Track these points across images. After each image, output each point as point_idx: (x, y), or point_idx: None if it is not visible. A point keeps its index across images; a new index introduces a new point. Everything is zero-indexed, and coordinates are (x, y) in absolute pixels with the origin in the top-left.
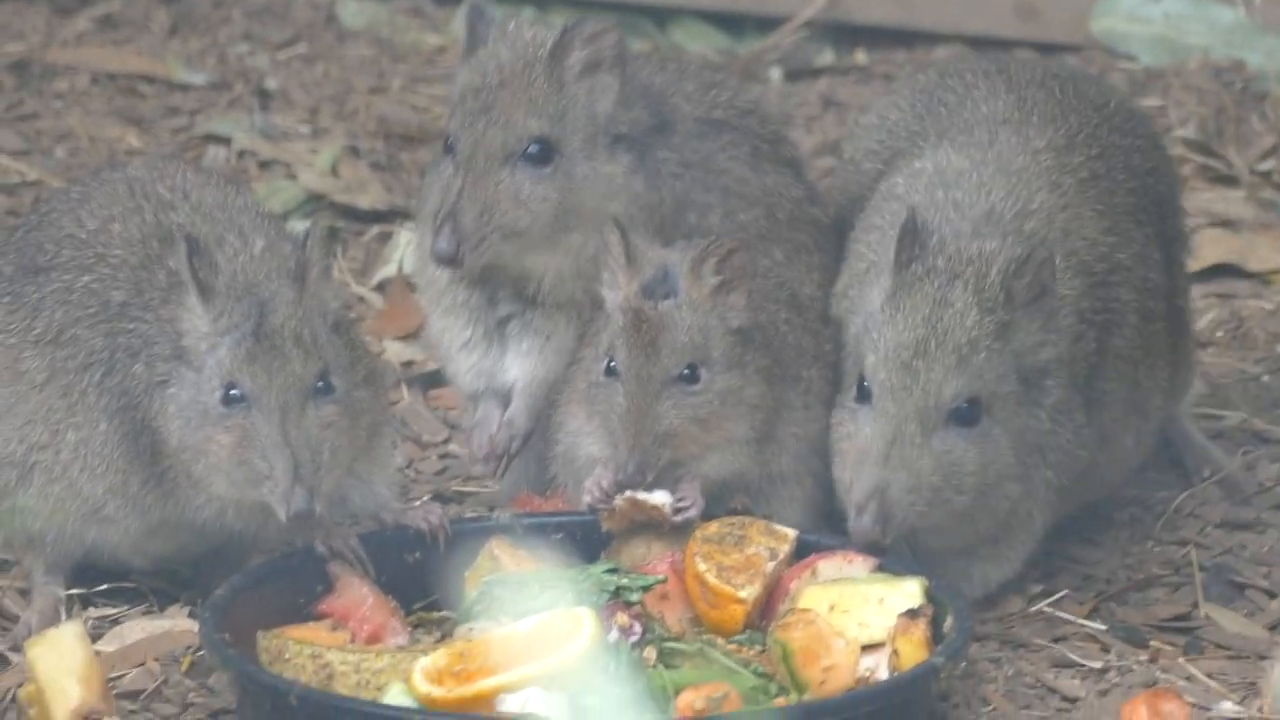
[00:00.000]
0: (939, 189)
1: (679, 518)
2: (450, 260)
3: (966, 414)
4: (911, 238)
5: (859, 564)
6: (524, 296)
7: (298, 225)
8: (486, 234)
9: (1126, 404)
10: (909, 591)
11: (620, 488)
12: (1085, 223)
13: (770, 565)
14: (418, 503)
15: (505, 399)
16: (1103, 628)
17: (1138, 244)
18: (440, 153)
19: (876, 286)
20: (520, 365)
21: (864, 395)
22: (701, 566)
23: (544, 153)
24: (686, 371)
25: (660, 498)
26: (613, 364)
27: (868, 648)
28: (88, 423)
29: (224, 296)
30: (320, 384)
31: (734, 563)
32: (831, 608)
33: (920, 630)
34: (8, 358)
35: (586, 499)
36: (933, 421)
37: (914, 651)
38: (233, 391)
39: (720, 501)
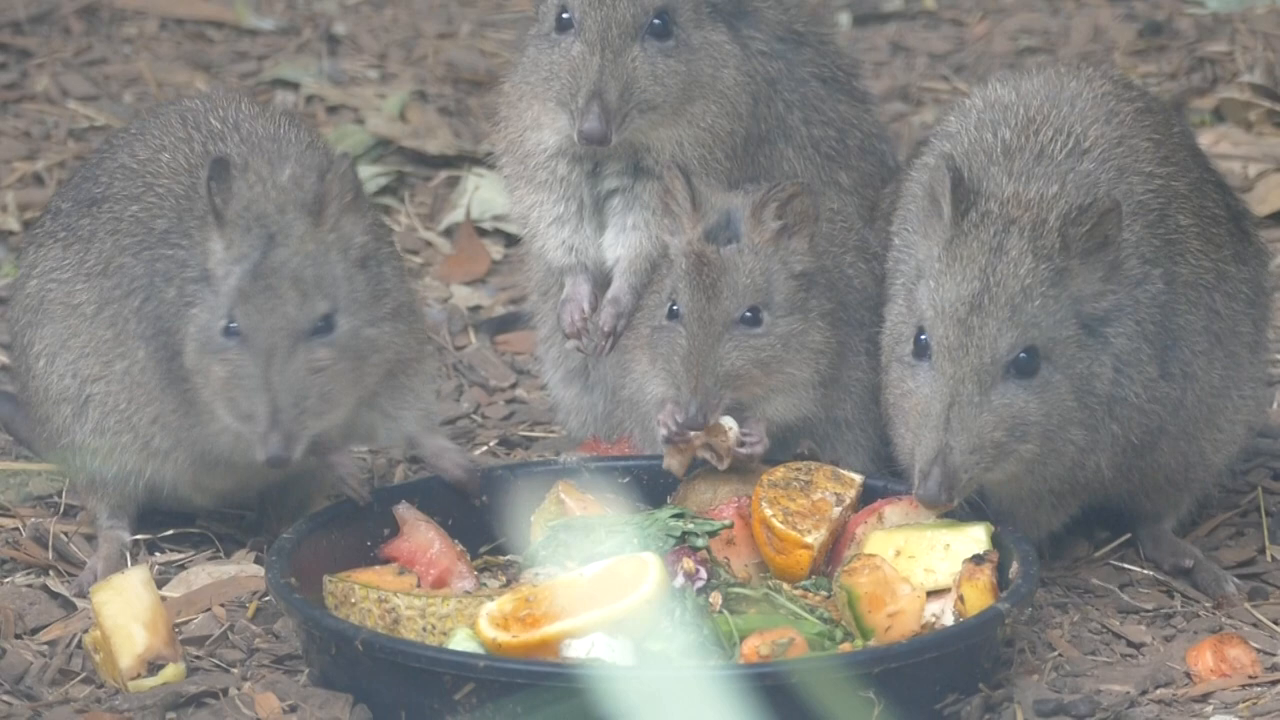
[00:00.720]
0: (987, 129)
1: (744, 450)
2: (602, 139)
3: (1025, 364)
4: (962, 188)
5: (925, 510)
6: (634, 170)
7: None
8: (629, 110)
9: (1207, 334)
10: (975, 537)
11: (684, 428)
12: (1140, 156)
13: (836, 510)
14: (452, 448)
15: (595, 275)
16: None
17: (1194, 173)
18: (546, 29)
19: (931, 233)
20: (625, 241)
21: (921, 351)
22: (768, 512)
23: (665, 25)
24: (749, 314)
25: (728, 422)
26: (675, 307)
27: (933, 593)
28: (130, 351)
29: (235, 225)
30: (321, 323)
31: (800, 508)
32: (897, 553)
33: (985, 576)
34: (62, 293)
35: (662, 432)
36: (991, 378)
37: (979, 597)
38: (232, 325)
39: (787, 446)
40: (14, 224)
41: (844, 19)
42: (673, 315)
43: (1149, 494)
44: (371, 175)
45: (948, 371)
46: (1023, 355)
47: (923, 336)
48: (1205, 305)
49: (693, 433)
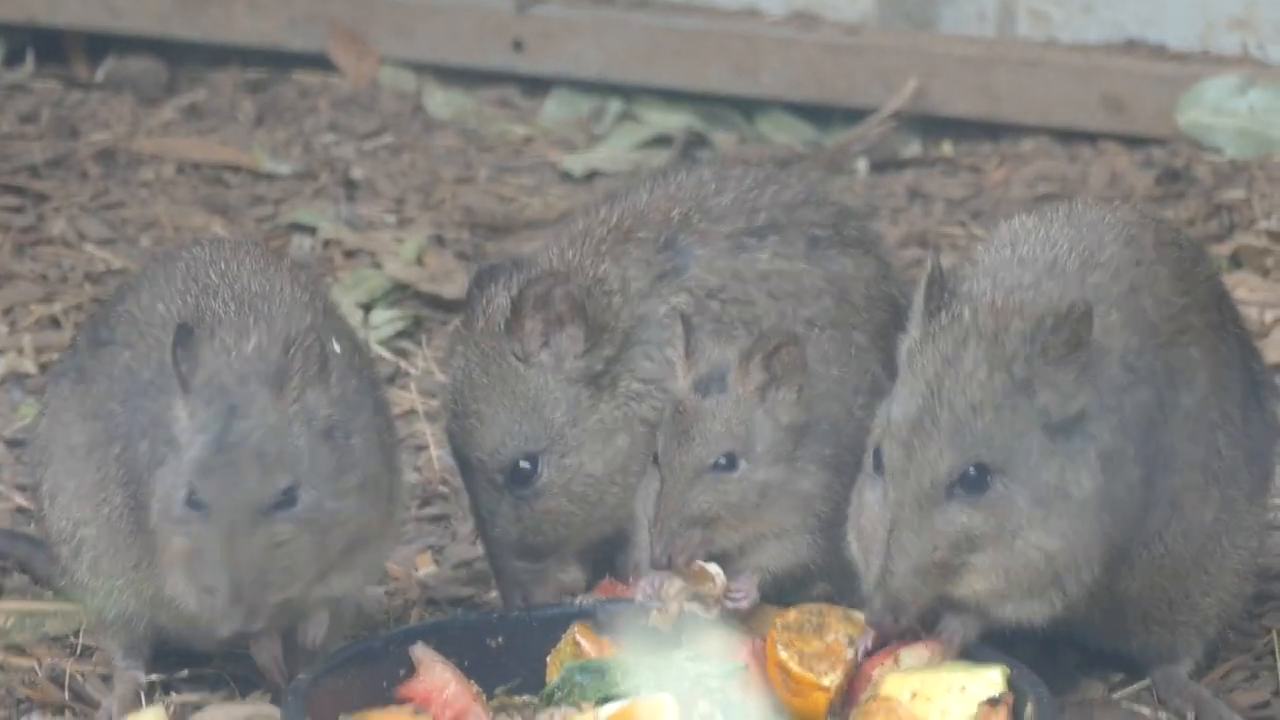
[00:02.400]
0: (1007, 247)
1: (729, 604)
2: None
3: (974, 481)
4: (938, 285)
5: (922, 651)
6: None
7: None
8: None
9: (1204, 471)
10: (991, 679)
11: (652, 567)
12: (1158, 281)
13: (850, 652)
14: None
15: None
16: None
17: (1214, 315)
18: None
19: (908, 332)
20: None
21: (877, 464)
22: (783, 655)
23: None
24: (723, 460)
25: (714, 569)
26: (656, 454)
27: None
28: (110, 496)
29: (199, 394)
30: (282, 497)
31: (815, 650)
32: (913, 695)
33: (1001, 718)
34: (63, 433)
35: (638, 596)
36: (931, 500)
37: None
38: (194, 496)
39: (804, 588)
40: (30, 367)
41: (861, 165)
42: (655, 462)
43: (1131, 629)
44: (388, 319)
45: (891, 495)
46: (971, 472)
47: (878, 451)
48: (1206, 442)
49: (674, 588)
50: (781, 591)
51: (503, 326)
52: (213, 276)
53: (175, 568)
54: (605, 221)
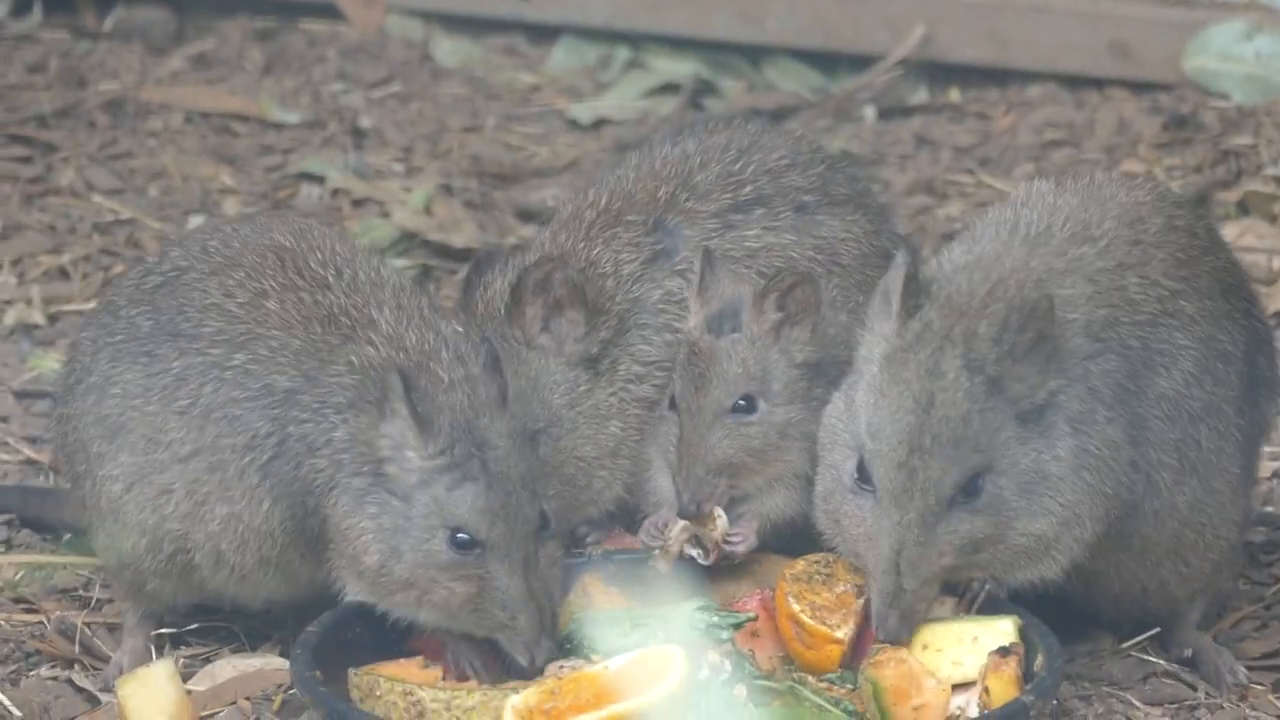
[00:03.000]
0: (1014, 207)
1: (727, 548)
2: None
3: (971, 488)
4: (913, 285)
5: (947, 603)
6: None
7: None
8: None
9: (1180, 456)
10: (1002, 630)
11: (679, 518)
12: (1150, 263)
13: (859, 603)
14: None
15: None
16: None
17: (1216, 304)
18: None
19: (875, 330)
20: None
21: (865, 478)
22: (795, 607)
23: None
24: (742, 403)
25: (718, 511)
26: (673, 397)
27: (959, 686)
28: (245, 500)
29: (445, 434)
30: (540, 520)
31: (825, 601)
32: (925, 646)
33: (1011, 668)
34: (145, 424)
35: (643, 536)
36: (936, 516)
37: (1005, 689)
38: (461, 536)
39: (811, 539)
40: (39, 318)
41: (869, 112)
42: (671, 406)
43: (1103, 608)
44: (397, 269)
45: (894, 516)
46: (966, 482)
47: (865, 465)
48: (1184, 428)
49: (675, 530)
50: (784, 540)
51: (503, 311)
52: (314, 266)
53: (448, 611)
54: (594, 205)
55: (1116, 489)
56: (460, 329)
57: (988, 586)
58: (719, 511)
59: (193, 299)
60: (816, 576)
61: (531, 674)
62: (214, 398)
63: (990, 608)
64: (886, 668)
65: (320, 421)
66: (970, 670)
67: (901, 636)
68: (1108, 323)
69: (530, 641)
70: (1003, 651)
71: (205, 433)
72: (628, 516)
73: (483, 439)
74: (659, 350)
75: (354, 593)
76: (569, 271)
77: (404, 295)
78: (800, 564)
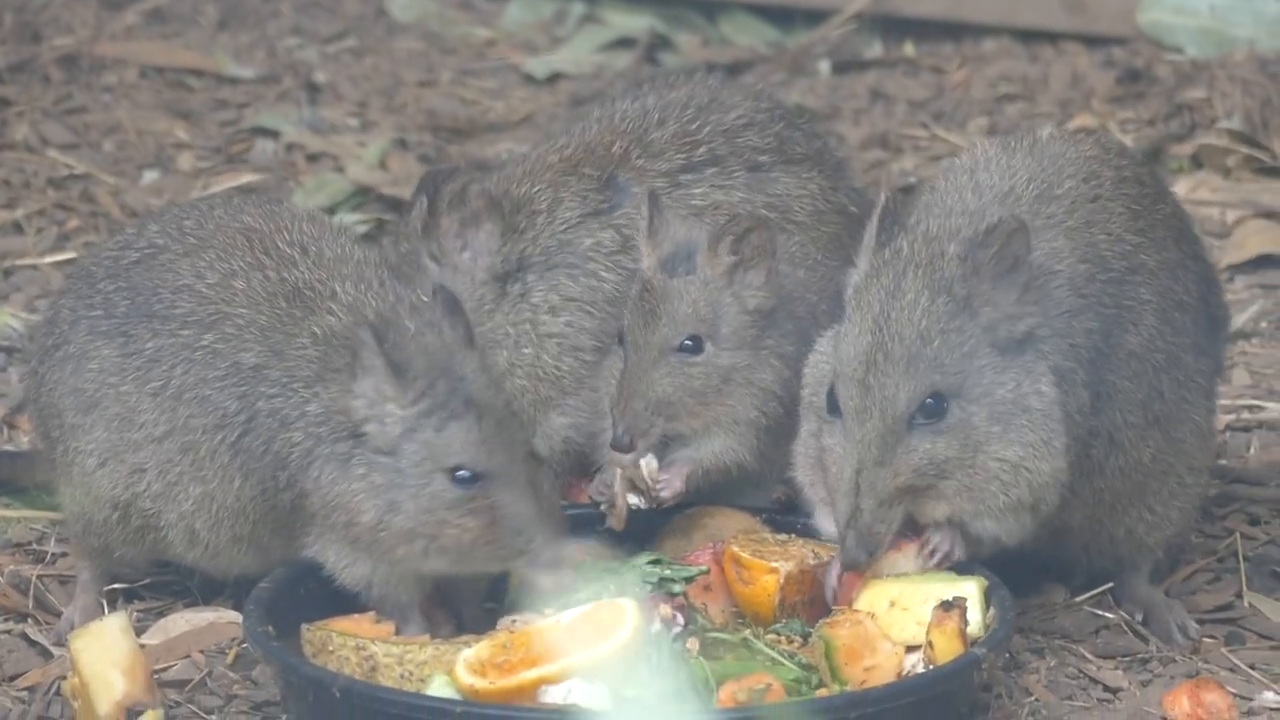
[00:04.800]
0: (966, 173)
1: (654, 491)
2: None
3: (932, 408)
4: (890, 219)
5: (908, 552)
6: None
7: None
8: None
9: (1145, 411)
10: (968, 591)
11: (612, 449)
12: (1113, 218)
13: (811, 561)
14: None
15: None
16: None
17: (1171, 254)
18: None
19: (856, 265)
20: None
21: (833, 407)
22: (736, 549)
23: None
24: (688, 343)
25: (645, 463)
26: (622, 334)
27: (913, 648)
28: (218, 478)
29: (423, 377)
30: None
31: (770, 550)
32: (891, 604)
33: (954, 623)
34: (119, 404)
35: (592, 493)
36: (894, 434)
37: (948, 644)
38: (461, 473)
39: (760, 489)
40: None
41: (824, 66)
42: (620, 342)
43: (1075, 558)
44: (352, 223)
45: (855, 435)
46: (929, 401)
47: (833, 393)
48: (1149, 382)
49: (615, 482)
50: (732, 492)
51: (419, 228)
52: (282, 246)
53: (462, 549)
54: (559, 150)
55: (1073, 453)
56: (421, 295)
57: (947, 549)
58: (648, 458)
59: (166, 280)
60: (770, 541)
61: (556, 593)
62: (185, 379)
63: (955, 566)
64: (841, 628)
65: (290, 396)
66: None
67: (859, 559)
68: (1087, 279)
69: (551, 561)
70: (945, 606)
71: (177, 414)
72: (582, 466)
73: (459, 375)
74: (581, 290)
75: (346, 563)
76: (485, 184)
77: (366, 268)
78: (757, 534)
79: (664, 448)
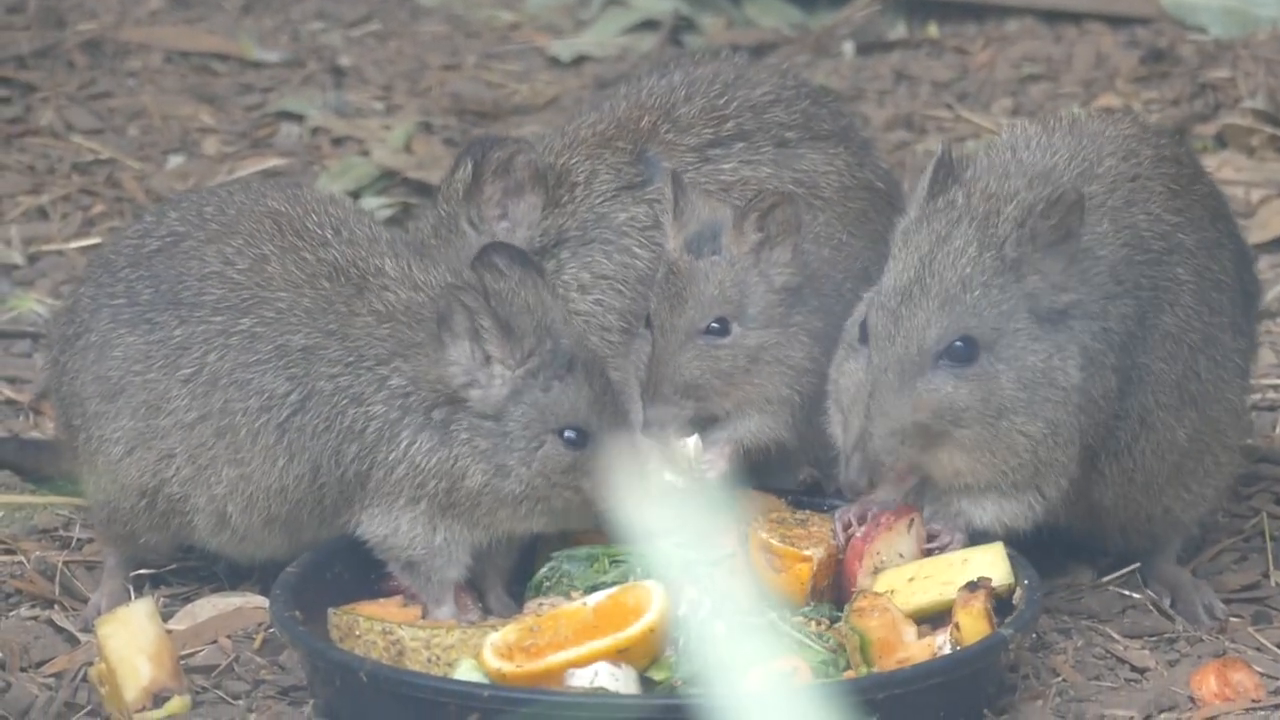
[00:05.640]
0: (1008, 150)
1: (701, 472)
2: None
3: (961, 352)
4: (945, 169)
5: (901, 530)
6: None
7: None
8: None
9: (1180, 391)
10: (992, 550)
11: (642, 433)
12: (1153, 197)
13: (833, 539)
14: None
15: None
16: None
17: (1208, 233)
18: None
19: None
20: None
21: (863, 335)
22: (765, 535)
23: None
24: (715, 325)
25: (691, 440)
26: (649, 317)
27: (941, 626)
28: (260, 459)
29: (530, 336)
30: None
31: (796, 534)
32: (911, 579)
33: (980, 602)
34: (145, 391)
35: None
36: (915, 366)
37: (974, 624)
38: (569, 434)
39: (787, 470)
40: (18, 258)
41: (848, 48)
42: (647, 325)
43: (1110, 537)
44: (377, 206)
45: (875, 360)
46: (958, 344)
47: (865, 320)
48: (1185, 363)
49: (652, 460)
50: (760, 472)
51: (461, 192)
52: (311, 227)
53: (572, 510)
54: (592, 125)
55: (1094, 437)
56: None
57: (947, 540)
58: (694, 438)
59: (191, 268)
60: (792, 520)
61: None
62: (220, 364)
63: (973, 539)
64: (871, 618)
65: (361, 373)
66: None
67: (859, 483)
68: (1127, 262)
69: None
70: (970, 586)
71: (212, 399)
72: None
73: (559, 332)
74: (614, 268)
75: (415, 533)
76: (531, 155)
77: (398, 245)
78: (779, 513)
79: (702, 428)
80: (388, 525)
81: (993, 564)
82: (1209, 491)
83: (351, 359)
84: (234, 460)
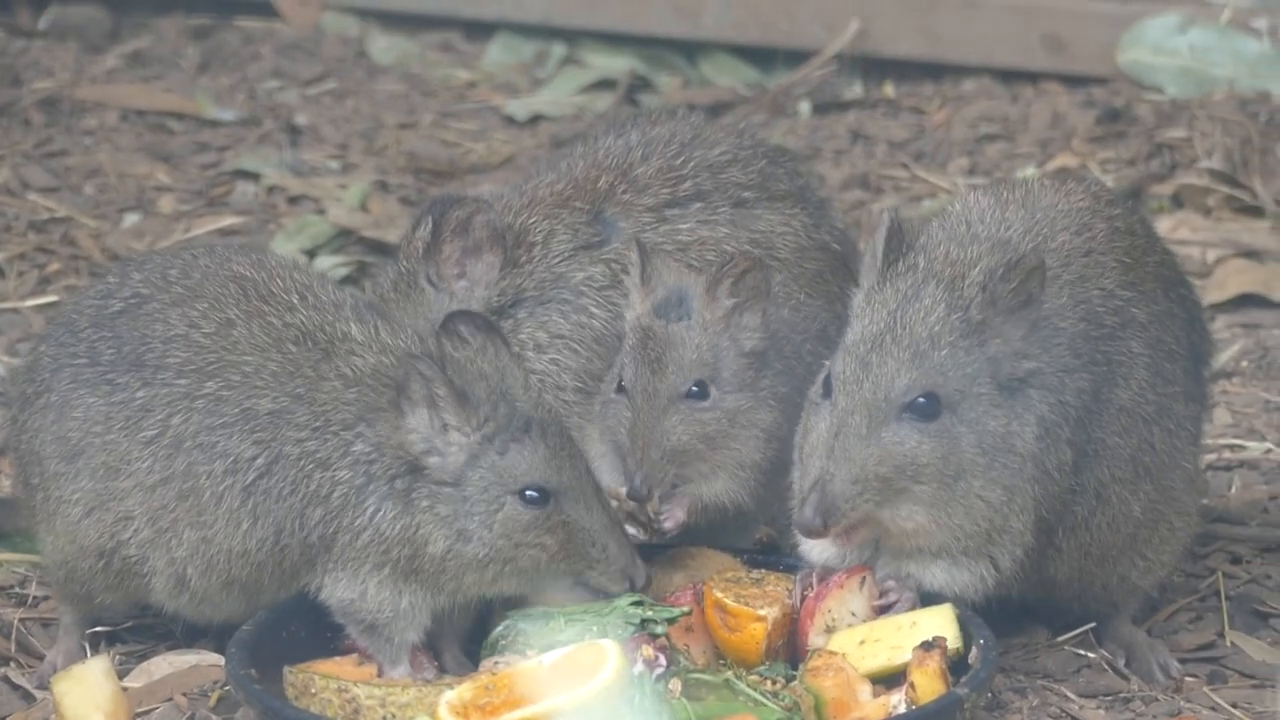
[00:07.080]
0: (963, 223)
1: (658, 523)
2: None
3: (924, 408)
4: (897, 237)
5: (853, 588)
6: None
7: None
8: None
9: (1135, 465)
10: (941, 612)
11: (628, 499)
12: (1106, 272)
13: (788, 599)
14: None
15: None
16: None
17: (1160, 305)
18: None
19: (862, 283)
20: None
21: (827, 389)
22: (719, 594)
23: None
24: (695, 389)
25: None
26: (622, 381)
27: (895, 685)
28: (222, 522)
29: (485, 402)
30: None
31: (751, 593)
32: (862, 642)
33: (935, 662)
34: (105, 453)
35: None
36: (882, 414)
37: (929, 683)
38: (531, 493)
39: (744, 530)
40: None
41: (804, 107)
42: (620, 390)
43: (1066, 607)
44: (332, 265)
45: (840, 404)
46: (921, 399)
47: (828, 375)
48: (1140, 436)
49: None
50: (715, 532)
51: (420, 250)
52: (276, 291)
53: (540, 568)
54: (551, 185)
55: (1049, 510)
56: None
57: (895, 599)
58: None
59: (155, 330)
60: (747, 580)
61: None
62: (184, 427)
63: (925, 600)
64: (825, 677)
65: (327, 438)
66: (910, 655)
67: (814, 524)
68: (1083, 336)
69: (627, 566)
70: (925, 646)
71: (175, 461)
72: None
73: (514, 396)
74: (570, 327)
75: (384, 596)
76: (490, 215)
77: (363, 310)
78: (733, 571)
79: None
80: (354, 590)
81: (941, 626)
82: (1165, 557)
83: (319, 423)
84: (196, 523)
